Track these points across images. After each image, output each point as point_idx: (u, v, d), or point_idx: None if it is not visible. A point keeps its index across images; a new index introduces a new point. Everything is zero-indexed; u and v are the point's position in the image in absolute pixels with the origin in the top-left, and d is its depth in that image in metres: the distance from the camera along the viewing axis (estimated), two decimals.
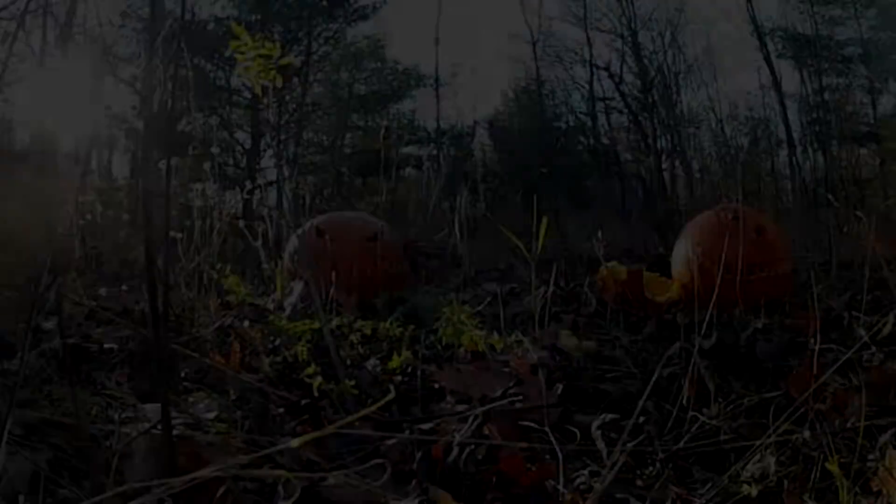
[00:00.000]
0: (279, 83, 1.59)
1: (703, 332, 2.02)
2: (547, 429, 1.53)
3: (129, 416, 1.42)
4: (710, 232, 3.55)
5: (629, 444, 1.43)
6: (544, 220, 2.27)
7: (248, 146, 9.22)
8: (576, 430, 1.66)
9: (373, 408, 0.48)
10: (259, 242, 3.15)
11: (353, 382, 1.76)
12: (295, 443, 0.45)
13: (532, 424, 1.55)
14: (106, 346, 2.07)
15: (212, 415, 1.62)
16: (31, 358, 1.67)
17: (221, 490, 1.05)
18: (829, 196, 4.79)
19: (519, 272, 4.52)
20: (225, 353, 2.17)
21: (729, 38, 10.09)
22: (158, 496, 0.44)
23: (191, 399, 1.71)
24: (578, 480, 1.37)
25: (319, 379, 1.78)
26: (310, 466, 1.30)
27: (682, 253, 3.76)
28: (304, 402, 1.66)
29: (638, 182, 10.13)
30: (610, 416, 1.62)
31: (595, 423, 1.61)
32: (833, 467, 1.22)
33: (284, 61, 1.59)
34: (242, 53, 1.55)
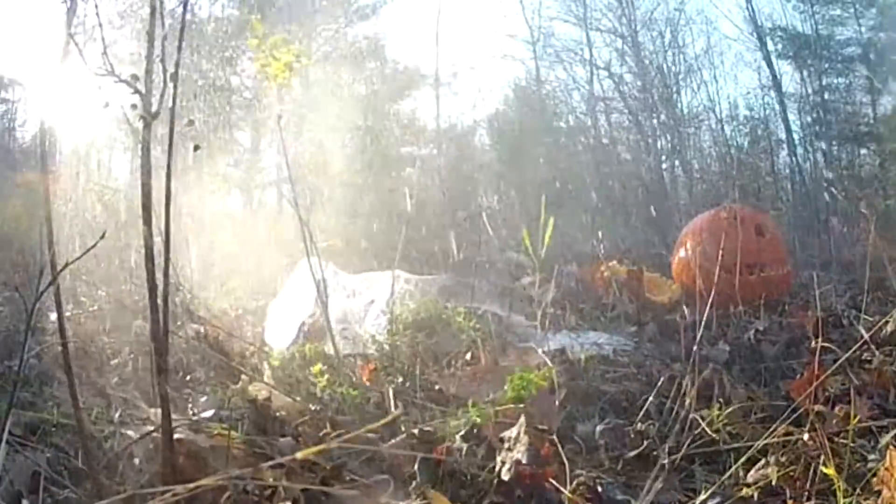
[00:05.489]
0: (290, 85, 1.60)
1: (703, 332, 2.01)
2: (545, 430, 1.53)
3: (130, 417, 1.42)
4: (710, 232, 3.55)
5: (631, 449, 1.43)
6: (550, 219, 2.25)
7: (248, 146, 9.21)
8: (576, 428, 1.66)
9: (377, 425, 0.48)
10: None
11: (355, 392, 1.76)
12: (300, 455, 0.45)
13: (535, 427, 1.55)
14: (107, 346, 2.07)
15: (210, 413, 1.61)
16: (31, 358, 1.67)
17: (224, 497, 1.05)
18: (832, 189, 4.80)
19: (520, 273, 4.51)
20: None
21: (729, 38, 10.06)
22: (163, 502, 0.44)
23: (191, 398, 1.71)
24: (578, 481, 1.37)
25: (325, 378, 1.78)
26: (311, 468, 1.29)
27: (682, 253, 3.76)
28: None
29: (638, 182, 10.11)
30: (613, 420, 1.62)
31: (598, 427, 1.61)
32: (830, 470, 1.21)
33: (306, 63, 1.60)
34: (262, 54, 1.55)
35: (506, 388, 1.69)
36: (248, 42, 1.57)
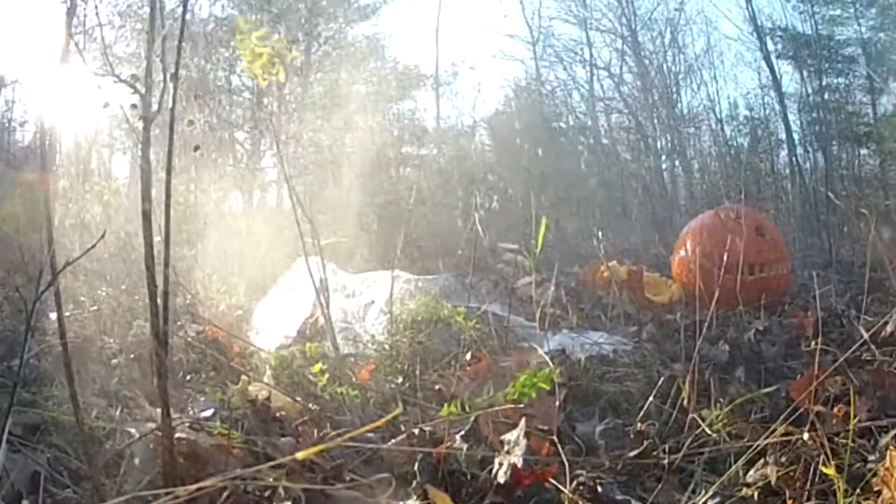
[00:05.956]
0: (283, 79, 1.58)
1: (703, 332, 2.01)
2: (545, 430, 1.53)
3: (130, 417, 1.42)
4: (710, 232, 3.55)
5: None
6: (543, 219, 2.26)
7: (248, 146, 9.22)
8: (576, 429, 1.66)
9: (379, 423, 0.48)
10: None
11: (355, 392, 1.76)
12: (300, 455, 0.45)
13: (535, 428, 1.55)
14: (106, 346, 2.07)
15: (209, 413, 1.62)
16: (31, 358, 1.67)
17: (224, 496, 1.05)
18: (830, 194, 4.80)
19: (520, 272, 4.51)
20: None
21: (729, 38, 10.06)
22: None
23: (191, 398, 1.71)
24: (578, 481, 1.37)
25: (326, 377, 1.78)
26: (311, 468, 1.29)
27: (682, 253, 3.76)
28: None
29: (638, 182, 10.11)
30: (613, 421, 1.62)
31: (598, 428, 1.61)
32: (830, 470, 1.21)
33: (292, 56, 1.58)
34: (246, 49, 1.54)
35: (510, 387, 1.68)
36: (236, 41, 1.55)
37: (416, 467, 1.27)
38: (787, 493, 1.29)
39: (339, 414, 1.73)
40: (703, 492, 1.32)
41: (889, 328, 2.29)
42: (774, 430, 1.41)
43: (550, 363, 2.01)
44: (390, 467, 1.33)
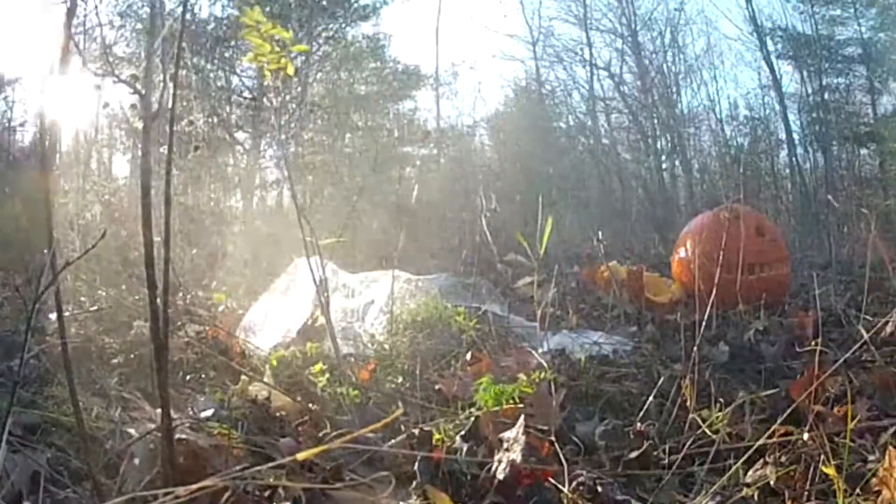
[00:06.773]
0: (290, 71, 1.58)
1: (703, 332, 2.01)
2: (545, 430, 1.53)
3: (130, 417, 1.42)
4: (710, 232, 3.55)
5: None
6: (549, 219, 2.25)
7: (248, 146, 9.22)
8: (576, 429, 1.66)
9: (379, 425, 0.48)
10: None
11: (355, 392, 1.76)
12: (300, 456, 0.45)
13: (534, 428, 1.55)
14: (106, 346, 2.07)
15: (209, 413, 1.62)
16: (31, 358, 1.67)
17: (225, 496, 1.05)
18: (829, 197, 4.83)
19: (519, 273, 4.51)
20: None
21: (729, 38, 10.07)
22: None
23: (191, 398, 1.71)
24: (578, 481, 1.37)
25: (326, 377, 1.78)
26: (311, 468, 1.29)
27: (682, 253, 3.76)
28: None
29: (638, 182, 10.11)
30: (613, 421, 1.62)
31: (598, 428, 1.61)
32: (830, 470, 1.21)
33: (299, 48, 1.58)
34: (256, 36, 1.53)
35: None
36: (244, 32, 1.54)
37: (416, 467, 1.27)
38: (787, 493, 1.29)
39: (339, 414, 1.73)
40: (704, 492, 1.32)
41: (889, 328, 2.29)
42: (775, 430, 1.41)
43: (549, 363, 2.02)
44: (390, 467, 1.33)
